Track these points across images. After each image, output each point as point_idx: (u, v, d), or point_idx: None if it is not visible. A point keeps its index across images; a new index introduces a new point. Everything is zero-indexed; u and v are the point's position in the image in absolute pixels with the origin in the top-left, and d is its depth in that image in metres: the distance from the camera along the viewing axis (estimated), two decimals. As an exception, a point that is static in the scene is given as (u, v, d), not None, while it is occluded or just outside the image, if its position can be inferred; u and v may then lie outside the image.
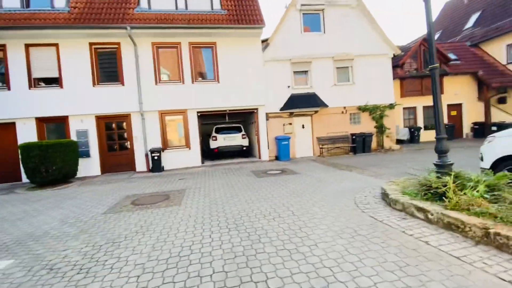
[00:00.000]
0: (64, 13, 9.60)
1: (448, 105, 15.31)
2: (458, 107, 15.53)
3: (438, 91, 4.09)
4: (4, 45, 9.45)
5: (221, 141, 12.14)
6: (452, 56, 15.33)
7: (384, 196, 4.46)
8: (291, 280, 2.39)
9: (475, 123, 15.26)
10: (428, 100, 15.30)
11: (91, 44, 9.97)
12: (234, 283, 2.41)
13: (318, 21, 12.04)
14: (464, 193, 3.36)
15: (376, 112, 12.47)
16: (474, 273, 2.31)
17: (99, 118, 10.23)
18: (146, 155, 10.32)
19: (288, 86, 11.81)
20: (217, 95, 10.88)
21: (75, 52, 9.85)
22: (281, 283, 2.36)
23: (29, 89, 9.65)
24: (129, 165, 10.53)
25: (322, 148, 12.05)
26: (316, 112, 12.04)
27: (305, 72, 12.12)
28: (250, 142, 12.88)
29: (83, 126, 10.05)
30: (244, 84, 11.06)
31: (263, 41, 11.59)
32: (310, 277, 2.41)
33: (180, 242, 3.44)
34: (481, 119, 15.40)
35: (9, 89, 9.54)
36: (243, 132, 12.51)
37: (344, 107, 12.32)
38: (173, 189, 6.83)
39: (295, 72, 12.00)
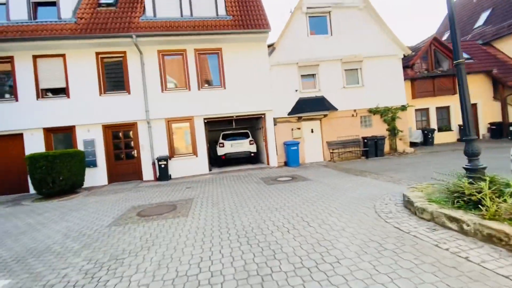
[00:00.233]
0: (70, 24, 9.65)
1: (462, 106, 14.73)
2: (473, 107, 14.88)
3: (465, 88, 3.75)
4: (11, 57, 9.53)
5: (228, 147, 11.91)
6: (464, 55, 14.83)
7: (408, 204, 4.09)
8: (315, 307, 2.07)
9: (492, 124, 14.63)
10: (441, 101, 14.93)
11: (97, 53, 9.98)
12: (249, 310, 2.11)
13: (324, 24, 11.83)
14: (504, 200, 2.99)
15: (388, 115, 12.06)
16: (534, 298, 1.95)
17: (105, 127, 10.15)
18: (153, 164, 10.15)
19: (296, 90, 11.55)
20: (223, 101, 10.70)
21: (81, 62, 9.86)
22: (303, 310, 2.05)
23: (37, 99, 9.67)
24: (136, 174, 10.37)
25: (332, 152, 11.67)
26: (325, 115, 11.72)
27: (313, 75, 11.86)
28: (258, 148, 12.62)
29: (90, 135, 9.98)
30: (250, 89, 10.86)
31: (269, 46, 11.42)
32: (337, 303, 2.09)
33: (188, 258, 3.16)
34: (498, 119, 14.75)
35: (16, 100, 9.57)
36: (250, 138, 12.26)
37: (354, 110, 11.96)
38: (180, 199, 6.58)
39: (302, 76, 11.75)
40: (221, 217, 4.68)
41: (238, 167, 11.85)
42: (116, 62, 10.27)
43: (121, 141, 10.42)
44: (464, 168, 3.78)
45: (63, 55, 9.79)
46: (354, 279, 2.39)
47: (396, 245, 2.97)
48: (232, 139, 12.12)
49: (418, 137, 14.19)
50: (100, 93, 10.01)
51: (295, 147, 10.89)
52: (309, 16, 11.72)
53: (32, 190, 8.98)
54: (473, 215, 3.10)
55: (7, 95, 9.74)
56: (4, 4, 9.61)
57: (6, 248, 4.14)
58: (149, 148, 10.21)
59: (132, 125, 10.31)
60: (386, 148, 12.03)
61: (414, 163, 9.29)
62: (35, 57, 9.66)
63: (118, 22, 9.91)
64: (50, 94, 9.96)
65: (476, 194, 3.19)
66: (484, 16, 18.55)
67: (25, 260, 3.61)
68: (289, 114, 11.48)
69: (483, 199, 3.08)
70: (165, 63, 10.50)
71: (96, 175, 9.98)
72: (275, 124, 11.35)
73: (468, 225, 2.99)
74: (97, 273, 3.02)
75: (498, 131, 14.19)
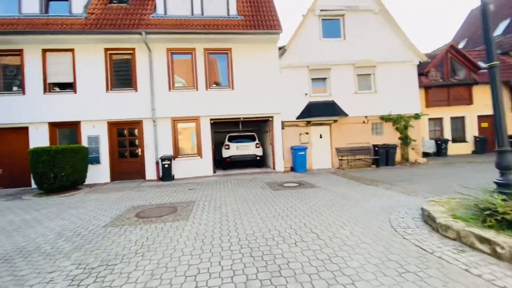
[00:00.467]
0: (81, 19, 9.60)
1: (479, 116, 14.18)
2: (489, 118, 14.32)
3: (499, 94, 3.40)
4: (21, 50, 9.50)
5: (234, 150, 11.63)
6: (482, 64, 14.31)
7: (428, 219, 3.72)
8: None
9: (510, 136, 13.98)
10: (456, 111, 14.37)
11: (106, 49, 9.89)
12: None
13: (337, 27, 11.53)
14: (546, 222, 2.61)
15: (401, 123, 11.62)
16: None
17: (111, 124, 10.01)
18: (157, 163, 9.94)
19: (306, 94, 11.24)
20: (231, 102, 10.46)
21: (90, 58, 9.78)
22: None
23: (44, 93, 9.60)
24: (139, 173, 10.18)
25: (341, 160, 11.27)
26: (335, 121, 11.36)
27: (324, 79, 11.54)
28: (264, 151, 12.30)
29: (94, 132, 9.85)
30: (259, 91, 10.60)
31: (279, 48, 11.17)
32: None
33: (184, 269, 2.86)
34: (516, 132, 14.11)
35: (24, 93, 9.52)
36: (257, 141, 11.96)
37: (366, 117, 11.56)
38: (181, 201, 6.31)
39: (313, 79, 11.44)
40: (223, 223, 4.38)
41: (243, 170, 11.54)
42: (125, 59, 10.16)
43: (125, 138, 10.26)
44: (495, 182, 3.40)
45: (72, 50, 9.73)
46: (373, 307, 2.06)
47: (419, 267, 2.61)
48: (238, 142, 11.85)
49: (430, 147, 13.67)
50: (107, 90, 9.89)
51: (303, 152, 10.54)
52: (322, 19, 11.45)
53: (34, 185, 8.85)
54: (508, 236, 2.73)
55: (15, 88, 9.70)
56: (17, -3, 9.64)
57: (-5, 246, 3.93)
58: (154, 147, 10.02)
59: (138, 123, 10.14)
60: (398, 157, 11.57)
61: (428, 174, 8.83)
62: (44, 51, 9.62)
63: (128, 18, 9.82)
64: (57, 89, 9.89)
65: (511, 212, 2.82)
66: (502, 26, 17.99)
67: (12, 260, 3.37)
68: (297, 118, 11.16)
69: (521, 219, 2.71)
70: (173, 62, 10.34)
71: (99, 172, 9.82)
72: (282, 128, 11.03)
73: (502, 248, 2.62)
74: (84, 280, 2.75)
75: (516, 144, 13.55)
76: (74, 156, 8.21)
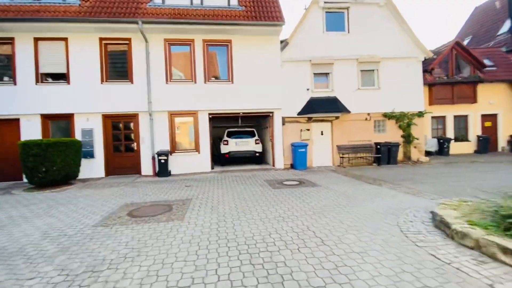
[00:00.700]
0: (75, 6, 9.18)
1: (482, 115, 13.94)
2: (493, 117, 14.12)
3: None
4: (12, 38, 9.10)
5: (232, 145, 11.34)
6: (487, 62, 14.01)
7: (441, 224, 3.46)
8: None
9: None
10: (460, 109, 14.10)
11: (101, 39, 9.49)
12: None
13: (342, 20, 11.15)
14: None
15: (404, 120, 11.35)
16: None
17: (105, 117, 9.67)
18: (153, 158, 9.63)
19: (307, 89, 10.91)
20: (230, 97, 10.13)
21: (84, 47, 9.38)
22: None
23: (36, 84, 9.23)
24: (134, 168, 9.88)
25: (342, 157, 11.01)
26: (337, 118, 11.06)
27: (326, 74, 11.21)
28: (263, 148, 12.02)
29: (88, 124, 9.51)
30: (259, 85, 10.26)
31: (281, 42, 10.80)
32: None
33: (176, 278, 2.59)
34: (519, 131, 13.91)
35: (15, 84, 9.14)
36: (256, 137, 11.67)
37: (368, 114, 11.27)
38: (177, 198, 6.04)
39: (315, 74, 11.10)
40: (220, 225, 4.11)
41: (242, 166, 11.27)
42: (120, 49, 9.78)
43: (121, 132, 9.93)
44: (517, 187, 3.13)
45: (65, 39, 9.33)
46: (391, 331, 1.80)
47: (437, 281, 2.36)
48: (237, 137, 11.55)
49: (433, 145, 13.44)
50: (102, 81, 9.52)
51: (303, 149, 10.26)
52: (326, 12, 11.06)
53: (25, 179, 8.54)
54: (534, 248, 2.47)
55: (5, 78, 9.32)
56: (7, -17, 9.19)
57: (-26, 246, 3.64)
58: (150, 141, 9.70)
59: (133, 116, 9.81)
60: (400, 155, 11.32)
61: (432, 173, 8.59)
62: (36, 40, 9.21)
63: (125, 7, 9.40)
64: (49, 79, 9.51)
65: (538, 221, 2.56)
66: (508, 23, 17.61)
67: (-10, 264, 3.09)
68: (298, 114, 10.85)
69: (549, 229, 2.45)
70: (171, 53, 9.96)
71: (93, 167, 9.51)
72: (283, 124, 10.73)
73: (529, 261, 2.36)
74: (65, 290, 2.48)
75: (519, 144, 13.36)
76: (66, 150, 7.89)
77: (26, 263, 3.08)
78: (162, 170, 9.35)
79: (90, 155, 9.46)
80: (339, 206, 4.98)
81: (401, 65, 11.32)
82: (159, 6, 9.64)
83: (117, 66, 9.79)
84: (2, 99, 9.08)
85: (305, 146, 10.30)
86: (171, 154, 9.78)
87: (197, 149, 10.11)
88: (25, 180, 8.75)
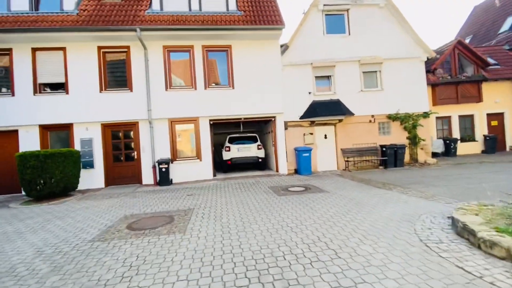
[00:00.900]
0: (72, 16, 9.10)
1: (488, 114, 13.67)
2: (499, 116, 13.84)
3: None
4: (10, 49, 9.01)
5: (235, 152, 11.11)
6: (490, 60, 13.81)
7: (464, 232, 3.19)
8: None
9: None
10: (465, 109, 13.83)
11: (99, 48, 9.39)
12: None
13: (342, 22, 11.03)
14: None
15: (409, 122, 11.10)
16: None
17: (105, 126, 9.50)
18: (154, 167, 9.41)
19: (309, 92, 10.73)
20: (231, 102, 9.95)
21: (82, 56, 9.27)
22: None
23: (34, 95, 9.09)
24: (135, 177, 9.65)
25: (347, 161, 10.74)
26: (340, 120, 10.84)
27: (328, 77, 11.03)
28: (266, 153, 11.78)
29: (88, 134, 9.33)
30: (261, 90, 10.08)
31: (281, 45, 10.66)
32: None
33: (178, 301, 2.34)
34: (527, 130, 13.61)
35: (13, 95, 9.01)
36: (258, 143, 11.44)
37: (372, 116, 11.04)
38: (179, 208, 5.79)
39: (316, 77, 10.93)
40: (224, 237, 3.85)
41: (245, 173, 11.02)
42: (119, 58, 9.66)
43: (120, 141, 9.75)
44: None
45: (63, 49, 9.23)
46: None
47: (471, 300, 2.09)
48: (239, 143, 11.33)
49: (439, 146, 13.14)
50: (101, 90, 9.38)
51: (307, 154, 10.01)
52: (326, 14, 10.95)
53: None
54: None
55: (3, 89, 9.20)
56: (5, -6, 9.15)
57: (-38, 267, 3.40)
58: (150, 149, 9.50)
59: (133, 125, 9.63)
60: (406, 158, 11.04)
61: (441, 176, 8.30)
62: (34, 50, 9.11)
63: (123, 15, 9.32)
64: (48, 89, 9.38)
65: None
66: (510, 21, 17.51)
67: (-24, 288, 2.85)
68: (301, 118, 10.64)
69: None
70: (170, 60, 9.83)
71: (93, 177, 9.29)
72: (285, 128, 10.52)
73: None
74: (55, 318, 2.23)
75: (527, 143, 13.03)
76: (64, 161, 7.69)
77: (16, 285, 2.84)
78: (163, 179, 9.12)
79: (90, 165, 9.25)
80: (350, 213, 4.72)
81: (404, 66, 11.13)
82: (157, 13, 9.55)
83: (116, 74, 9.66)
84: (0, 111, 8.93)
85: (309, 150, 10.05)
86: (172, 162, 9.56)
87: (198, 156, 9.89)
88: (23, 192, 8.56)
